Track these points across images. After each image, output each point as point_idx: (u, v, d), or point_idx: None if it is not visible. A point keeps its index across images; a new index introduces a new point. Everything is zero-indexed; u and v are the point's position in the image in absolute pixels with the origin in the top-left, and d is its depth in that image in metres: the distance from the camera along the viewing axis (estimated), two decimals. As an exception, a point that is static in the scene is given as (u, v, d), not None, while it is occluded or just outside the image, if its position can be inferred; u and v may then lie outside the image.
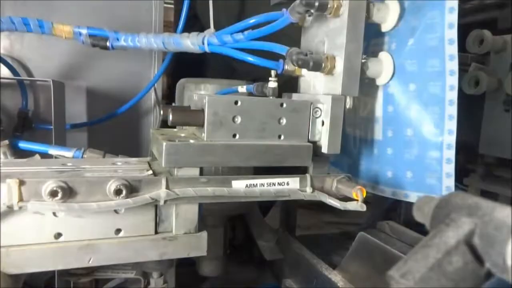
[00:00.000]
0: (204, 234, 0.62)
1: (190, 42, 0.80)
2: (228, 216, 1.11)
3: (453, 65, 0.67)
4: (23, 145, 0.81)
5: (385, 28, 0.75)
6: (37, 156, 0.72)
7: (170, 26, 1.36)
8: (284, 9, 0.70)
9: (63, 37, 0.80)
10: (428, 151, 0.71)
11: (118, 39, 0.81)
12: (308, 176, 0.65)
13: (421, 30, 0.71)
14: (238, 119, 0.63)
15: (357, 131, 0.86)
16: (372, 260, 0.77)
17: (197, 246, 0.61)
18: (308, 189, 0.65)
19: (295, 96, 0.78)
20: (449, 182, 0.68)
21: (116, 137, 1.27)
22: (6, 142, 0.69)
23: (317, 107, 0.68)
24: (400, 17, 0.73)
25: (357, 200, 0.63)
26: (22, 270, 0.53)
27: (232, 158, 0.63)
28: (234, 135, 0.64)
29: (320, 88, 0.72)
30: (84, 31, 0.79)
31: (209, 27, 1.54)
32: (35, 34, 0.80)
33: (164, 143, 0.59)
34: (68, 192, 0.53)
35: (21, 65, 1.15)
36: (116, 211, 0.57)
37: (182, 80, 1.09)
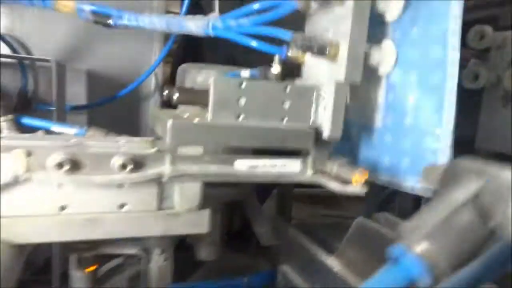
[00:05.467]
0: (206, 212, 0.63)
1: (195, 25, 0.80)
2: (224, 202, 1.12)
3: (455, 55, 0.68)
4: (26, 121, 0.81)
5: (389, 17, 0.75)
6: (40, 132, 0.72)
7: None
8: None
9: (64, 11, 0.80)
10: (424, 140, 0.71)
11: (121, 18, 0.81)
12: (309, 158, 0.66)
13: (425, 20, 0.72)
14: (243, 101, 0.64)
15: (357, 118, 0.87)
16: (370, 245, 0.78)
17: (199, 223, 0.62)
18: (309, 171, 0.66)
19: (298, 82, 0.79)
20: None
21: (115, 121, 1.27)
22: (10, 116, 0.70)
23: (320, 93, 0.69)
24: (405, 6, 0.73)
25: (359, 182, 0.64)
26: (27, 240, 0.54)
27: (235, 139, 0.64)
28: (238, 116, 0.65)
29: (324, 75, 0.73)
30: (87, 8, 0.80)
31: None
32: (36, 14, 0.80)
33: (170, 121, 0.59)
34: (73, 165, 0.53)
35: (21, 45, 1.15)
36: (120, 186, 0.58)
37: (183, 65, 1.09)
